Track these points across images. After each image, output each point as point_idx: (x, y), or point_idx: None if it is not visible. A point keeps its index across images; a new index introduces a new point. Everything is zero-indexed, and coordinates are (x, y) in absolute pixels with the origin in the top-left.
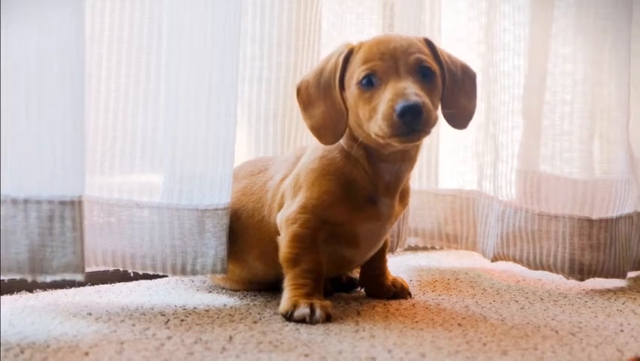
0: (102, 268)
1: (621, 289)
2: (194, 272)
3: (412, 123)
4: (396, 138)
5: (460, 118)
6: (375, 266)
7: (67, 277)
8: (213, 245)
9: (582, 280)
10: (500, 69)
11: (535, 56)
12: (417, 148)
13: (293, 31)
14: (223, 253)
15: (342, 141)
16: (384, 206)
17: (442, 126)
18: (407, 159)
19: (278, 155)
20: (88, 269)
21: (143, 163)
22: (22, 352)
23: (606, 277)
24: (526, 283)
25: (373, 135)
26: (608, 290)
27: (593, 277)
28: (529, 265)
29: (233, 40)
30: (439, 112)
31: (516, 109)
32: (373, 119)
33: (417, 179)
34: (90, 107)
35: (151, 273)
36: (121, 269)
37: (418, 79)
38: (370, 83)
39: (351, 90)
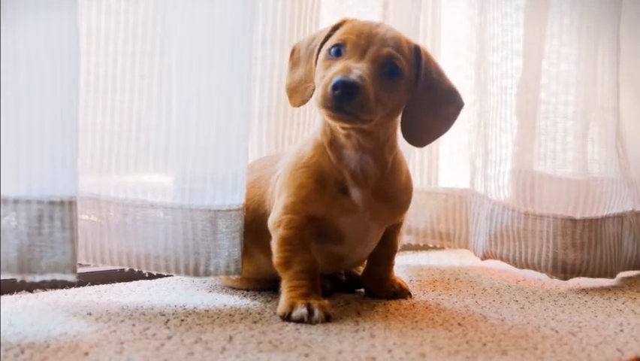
0: (111, 268)
1: (621, 289)
2: (207, 273)
3: (340, 100)
4: (324, 110)
5: (418, 135)
6: (380, 270)
7: (58, 277)
8: (226, 246)
9: (565, 279)
10: (494, 70)
11: (529, 56)
12: (376, 143)
13: (287, 29)
14: (237, 254)
15: (318, 128)
16: (356, 197)
17: None
18: (366, 150)
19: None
20: (102, 268)
21: (157, 163)
22: (22, 352)
23: (592, 276)
24: (526, 283)
25: (315, 102)
26: (608, 290)
27: (577, 276)
28: (515, 264)
29: (244, 38)
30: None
31: (508, 109)
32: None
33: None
34: (106, 108)
35: (165, 274)
36: (135, 270)
37: (378, 70)
38: (338, 53)
39: (321, 55)
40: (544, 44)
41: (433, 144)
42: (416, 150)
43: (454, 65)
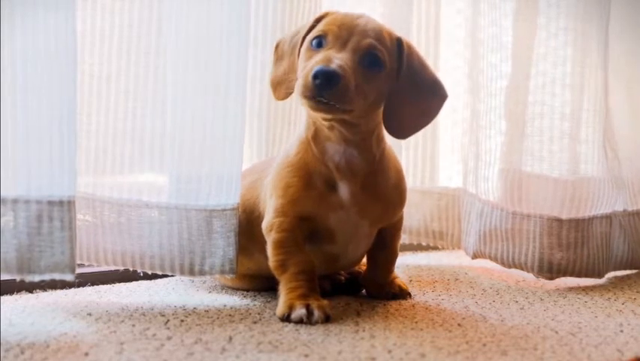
0: (110, 268)
1: (621, 290)
2: (202, 273)
3: (321, 89)
4: (305, 100)
5: (399, 127)
6: (381, 274)
7: (57, 276)
8: (221, 245)
9: (552, 278)
10: (492, 71)
11: (519, 58)
12: (361, 135)
13: (278, 29)
14: (232, 253)
15: (303, 124)
16: (344, 192)
17: (440, 128)
18: (351, 143)
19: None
20: (102, 268)
21: (152, 163)
22: (22, 352)
23: (579, 276)
24: (525, 283)
25: (296, 93)
26: (608, 290)
27: (563, 276)
28: (503, 263)
29: (240, 38)
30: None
31: (498, 110)
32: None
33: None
34: (101, 108)
35: (160, 273)
36: (130, 269)
37: (359, 61)
38: (319, 44)
39: (303, 47)
40: (533, 46)
41: (430, 144)
42: (410, 148)
43: (452, 65)
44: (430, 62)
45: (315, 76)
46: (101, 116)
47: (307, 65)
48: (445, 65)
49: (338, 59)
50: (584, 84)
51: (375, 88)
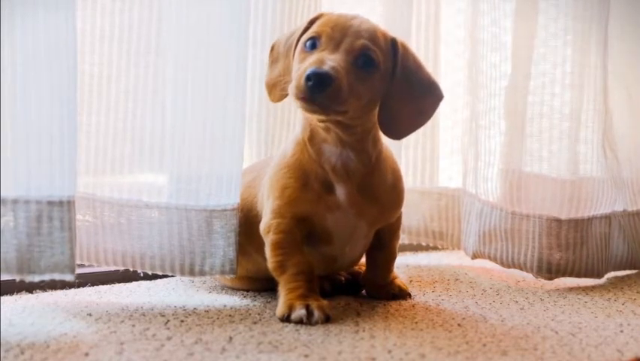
0: (110, 268)
1: (621, 290)
2: (202, 273)
3: (313, 90)
4: (298, 102)
5: (394, 127)
6: (380, 275)
7: (57, 276)
8: (221, 246)
9: (550, 279)
10: (493, 71)
11: (519, 58)
12: (356, 136)
13: (277, 29)
14: (232, 254)
15: (300, 125)
16: (340, 193)
17: (440, 128)
18: (347, 145)
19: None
20: (101, 269)
21: (152, 164)
22: (22, 352)
23: (577, 276)
24: (525, 283)
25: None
26: (608, 291)
27: (562, 276)
28: (502, 264)
29: (240, 39)
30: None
31: (498, 110)
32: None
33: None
34: (101, 108)
35: (160, 273)
36: (131, 269)
37: (352, 62)
38: (313, 46)
39: (297, 49)
40: (533, 46)
41: (430, 144)
42: (410, 148)
43: (452, 65)
44: (429, 63)
45: (308, 78)
46: (101, 116)
47: (300, 67)
48: (445, 65)
49: (331, 60)
50: (583, 84)
51: (369, 89)
